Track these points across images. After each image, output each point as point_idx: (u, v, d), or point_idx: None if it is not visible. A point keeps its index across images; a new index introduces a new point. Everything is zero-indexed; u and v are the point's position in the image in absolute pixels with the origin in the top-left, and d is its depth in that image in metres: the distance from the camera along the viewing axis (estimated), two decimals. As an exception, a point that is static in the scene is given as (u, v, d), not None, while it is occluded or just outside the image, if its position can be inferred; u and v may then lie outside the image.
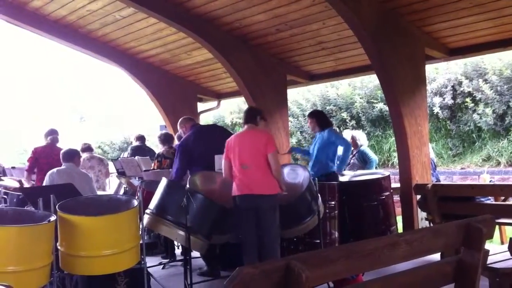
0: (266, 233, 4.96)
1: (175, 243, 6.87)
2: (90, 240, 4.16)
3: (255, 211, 4.93)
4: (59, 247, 4.27)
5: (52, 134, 7.82)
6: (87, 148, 8.24)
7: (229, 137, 6.16)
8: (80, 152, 8.24)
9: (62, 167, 6.04)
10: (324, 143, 6.43)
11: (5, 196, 6.62)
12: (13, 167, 8.37)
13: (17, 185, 6.55)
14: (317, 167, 6.38)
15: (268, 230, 4.95)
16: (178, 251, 7.08)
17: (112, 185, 8.30)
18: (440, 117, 12.14)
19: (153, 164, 7.05)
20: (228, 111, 16.15)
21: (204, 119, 15.10)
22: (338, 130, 6.84)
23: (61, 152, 6.28)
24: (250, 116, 5.26)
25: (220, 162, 5.69)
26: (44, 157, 7.25)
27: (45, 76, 30.28)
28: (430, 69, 11.79)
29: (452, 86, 12.07)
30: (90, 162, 8.00)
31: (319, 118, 6.67)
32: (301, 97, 14.56)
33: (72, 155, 6.16)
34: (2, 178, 6.46)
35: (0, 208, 5.25)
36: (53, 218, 4.11)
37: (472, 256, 2.93)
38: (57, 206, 4.26)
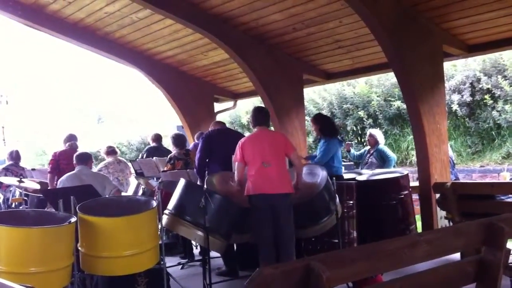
0: (283, 231, 4.97)
1: (193, 243, 6.90)
2: (110, 241, 4.21)
3: (271, 210, 4.94)
4: (79, 248, 4.32)
5: (71, 140, 7.87)
6: (112, 151, 8.26)
7: None
8: (105, 155, 8.30)
9: (72, 172, 6.04)
10: (326, 151, 6.51)
11: (26, 198, 6.70)
12: (33, 169, 8.46)
13: (37, 186, 6.61)
14: None
15: (285, 228, 4.98)
16: (196, 251, 7.11)
17: (130, 186, 8.35)
18: (459, 115, 11.99)
19: (165, 168, 7.01)
20: (244, 111, 16.15)
21: (221, 119, 15.09)
22: (341, 139, 6.93)
23: (75, 155, 6.28)
24: (266, 119, 5.36)
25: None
26: (65, 159, 7.30)
27: (62, 77, 30.59)
28: (448, 66, 11.65)
29: (471, 83, 11.91)
30: (120, 166, 8.06)
31: (322, 125, 6.73)
32: (318, 96, 14.49)
33: (86, 158, 6.18)
34: (22, 180, 6.53)
35: (22, 210, 5.32)
36: (73, 219, 4.16)
37: (493, 255, 2.90)
38: (77, 207, 4.31)
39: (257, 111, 5.41)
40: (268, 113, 5.47)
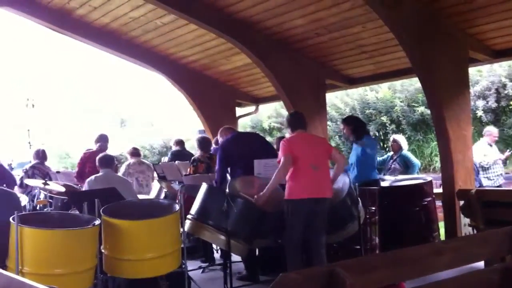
0: (319, 237, 4.93)
1: (214, 247, 6.92)
2: (133, 244, 4.24)
3: (309, 214, 4.87)
4: (103, 251, 4.36)
5: (100, 141, 7.99)
6: (136, 153, 8.36)
7: (267, 144, 6.24)
8: (129, 156, 8.40)
9: (100, 173, 6.08)
10: (362, 154, 6.38)
11: (51, 200, 6.79)
12: (58, 172, 8.58)
13: (62, 189, 6.70)
14: (357, 176, 6.28)
15: (321, 234, 4.94)
16: (217, 255, 7.12)
17: (153, 190, 8.42)
18: (484, 121, 11.85)
19: (188, 169, 7.06)
20: (265, 115, 16.17)
21: (242, 124, 15.16)
22: (372, 137, 6.74)
23: (97, 158, 6.28)
24: (304, 122, 5.28)
25: (260, 166, 5.73)
26: (91, 162, 7.37)
27: (86, 81, 31.01)
28: (473, 71, 11.52)
29: (496, 89, 11.77)
30: (140, 167, 8.13)
31: (355, 125, 6.56)
32: (340, 101, 14.45)
33: (108, 161, 6.21)
34: (47, 182, 6.62)
35: (47, 212, 5.40)
36: (97, 222, 4.20)
37: (520, 264, 2.85)
38: (101, 210, 4.36)
39: (295, 114, 5.42)
40: (304, 117, 5.38)
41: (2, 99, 28.59)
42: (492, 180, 8.20)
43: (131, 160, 8.22)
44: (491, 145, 8.40)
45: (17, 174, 8.83)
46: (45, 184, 6.44)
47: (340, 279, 2.16)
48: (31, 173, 7.95)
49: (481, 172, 8.24)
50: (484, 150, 8.29)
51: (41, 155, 8.30)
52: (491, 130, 8.61)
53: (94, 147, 8.07)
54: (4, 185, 6.89)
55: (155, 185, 7.59)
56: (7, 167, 9.57)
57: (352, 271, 2.22)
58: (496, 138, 8.65)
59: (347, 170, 6.32)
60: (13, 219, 3.88)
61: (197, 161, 7.00)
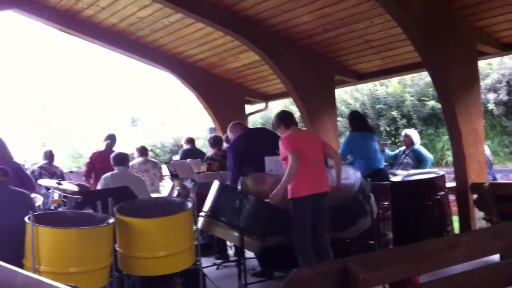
0: (324, 232, 4.93)
1: (228, 243, 6.95)
2: (147, 242, 4.28)
3: (316, 210, 4.84)
4: (117, 249, 4.40)
5: (108, 139, 8.10)
6: (143, 151, 8.43)
7: (277, 138, 6.22)
8: (136, 154, 8.47)
9: (115, 171, 6.16)
10: (342, 144, 6.73)
11: (65, 200, 6.87)
12: (71, 171, 8.69)
13: (75, 189, 6.78)
14: (359, 168, 6.27)
15: (326, 229, 4.93)
16: (231, 252, 7.15)
17: (165, 188, 8.44)
18: (495, 114, 11.77)
19: (202, 167, 7.14)
20: (275, 112, 16.16)
21: (252, 121, 15.17)
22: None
23: (112, 156, 6.39)
24: (294, 120, 5.24)
25: (271, 163, 5.73)
26: (100, 162, 7.47)
27: (97, 81, 31.13)
28: (483, 64, 11.45)
29: (507, 82, 11.68)
30: (145, 166, 8.17)
31: (349, 120, 6.94)
32: (349, 97, 14.40)
33: (123, 159, 6.28)
34: (61, 182, 6.70)
35: (61, 211, 5.45)
36: (111, 220, 4.24)
37: (535, 257, 2.84)
38: (115, 209, 4.39)
39: (286, 113, 5.33)
40: (293, 115, 5.35)
41: (16, 101, 28.81)
42: None
43: (137, 160, 8.27)
44: None
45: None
46: (59, 184, 6.51)
47: (354, 274, 2.17)
48: (38, 173, 8.09)
49: None
50: None
51: (48, 156, 8.48)
52: None
53: (103, 146, 8.18)
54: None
55: (167, 183, 7.62)
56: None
57: (365, 266, 2.22)
58: None
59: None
60: (29, 218, 3.93)
61: (211, 159, 7.08)
